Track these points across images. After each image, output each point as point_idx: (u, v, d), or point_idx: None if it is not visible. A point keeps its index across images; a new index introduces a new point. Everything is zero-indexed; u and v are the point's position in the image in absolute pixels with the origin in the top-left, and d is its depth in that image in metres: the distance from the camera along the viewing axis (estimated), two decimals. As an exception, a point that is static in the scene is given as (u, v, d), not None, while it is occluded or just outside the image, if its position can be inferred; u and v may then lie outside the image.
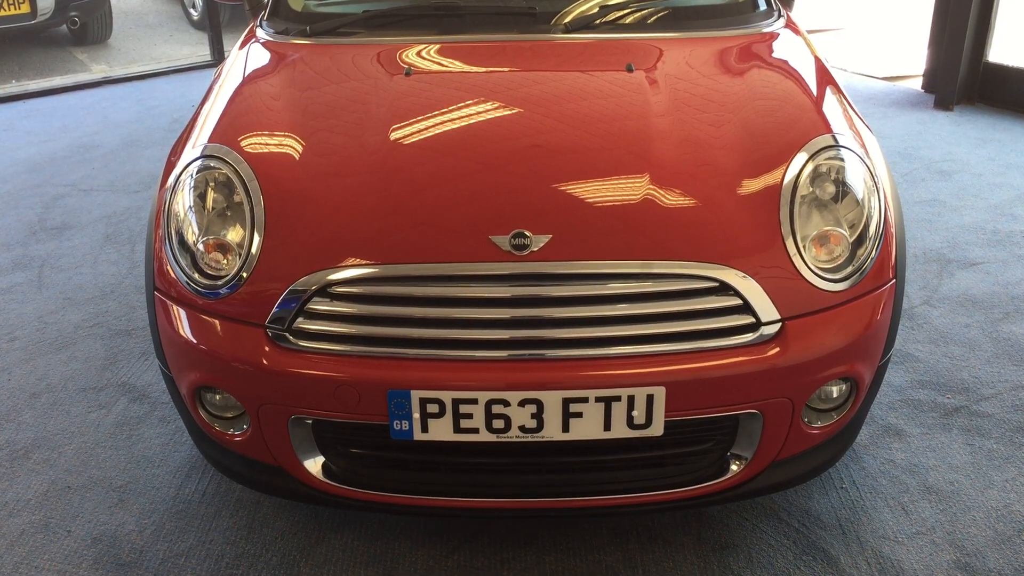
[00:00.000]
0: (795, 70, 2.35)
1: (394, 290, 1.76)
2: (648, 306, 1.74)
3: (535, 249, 1.75)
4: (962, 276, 3.33)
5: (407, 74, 2.26)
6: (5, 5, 6.99)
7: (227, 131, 2.10)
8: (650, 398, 1.73)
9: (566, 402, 1.73)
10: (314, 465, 1.91)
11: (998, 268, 3.39)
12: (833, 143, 1.98)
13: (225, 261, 1.88)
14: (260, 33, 2.65)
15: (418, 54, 2.40)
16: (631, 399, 1.73)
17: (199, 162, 2.00)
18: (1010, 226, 3.75)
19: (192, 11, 8.64)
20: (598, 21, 2.50)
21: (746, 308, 1.76)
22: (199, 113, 2.30)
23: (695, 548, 2.09)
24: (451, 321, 1.74)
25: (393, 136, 2.01)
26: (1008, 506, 2.21)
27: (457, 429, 1.76)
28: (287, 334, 1.78)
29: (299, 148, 2.01)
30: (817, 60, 2.43)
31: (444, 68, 2.38)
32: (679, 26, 2.54)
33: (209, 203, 1.95)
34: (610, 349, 1.73)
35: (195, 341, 1.87)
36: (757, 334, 1.76)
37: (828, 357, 1.81)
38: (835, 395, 1.95)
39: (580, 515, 2.12)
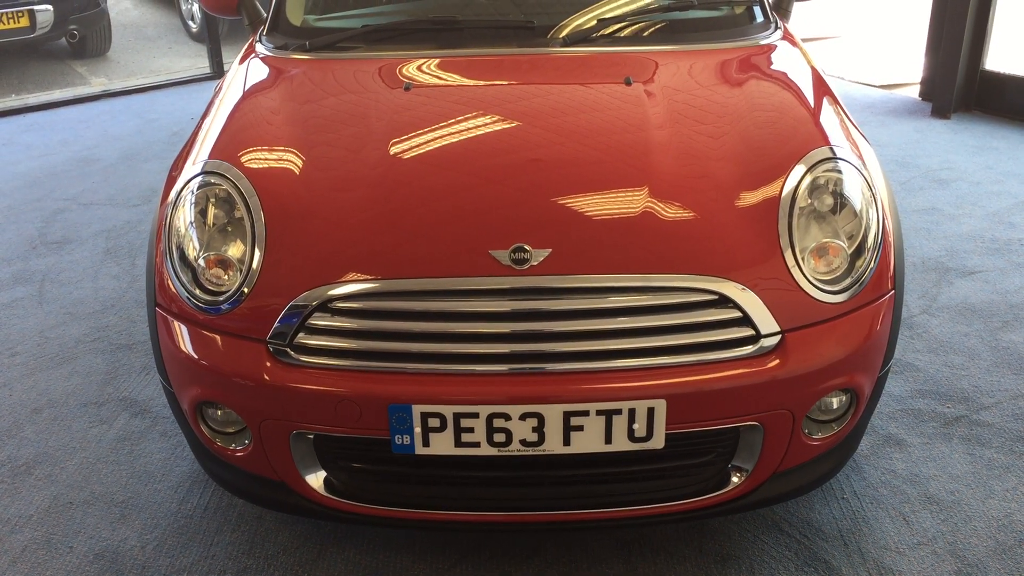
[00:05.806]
0: (793, 82, 2.36)
1: (395, 305, 1.77)
2: (648, 319, 1.75)
3: (535, 263, 1.76)
4: (961, 285, 3.34)
5: (407, 88, 2.27)
6: (4, 19, 7.01)
7: (227, 147, 2.11)
8: (651, 411, 1.73)
9: (567, 415, 1.73)
10: (316, 480, 1.91)
11: (997, 276, 3.40)
12: (831, 155, 1.99)
13: (226, 277, 1.88)
14: (260, 48, 2.66)
15: (417, 68, 2.41)
16: (632, 412, 1.73)
17: (200, 178, 2.01)
18: (1008, 234, 3.76)
19: (191, 24, 8.66)
20: (595, 34, 2.50)
21: (746, 320, 1.76)
22: (199, 128, 2.31)
23: (697, 560, 2.09)
24: (452, 335, 1.75)
25: (393, 151, 2.02)
26: (1009, 516, 2.21)
27: (458, 443, 1.76)
28: (288, 349, 1.78)
29: (299, 163, 2.02)
30: (814, 71, 2.44)
31: (443, 82, 2.38)
32: (676, 39, 2.55)
33: (210, 219, 1.95)
34: (610, 362, 1.74)
35: (196, 357, 1.88)
36: (757, 346, 1.77)
37: (828, 369, 1.82)
38: (835, 406, 1.95)
39: (582, 528, 2.12)
